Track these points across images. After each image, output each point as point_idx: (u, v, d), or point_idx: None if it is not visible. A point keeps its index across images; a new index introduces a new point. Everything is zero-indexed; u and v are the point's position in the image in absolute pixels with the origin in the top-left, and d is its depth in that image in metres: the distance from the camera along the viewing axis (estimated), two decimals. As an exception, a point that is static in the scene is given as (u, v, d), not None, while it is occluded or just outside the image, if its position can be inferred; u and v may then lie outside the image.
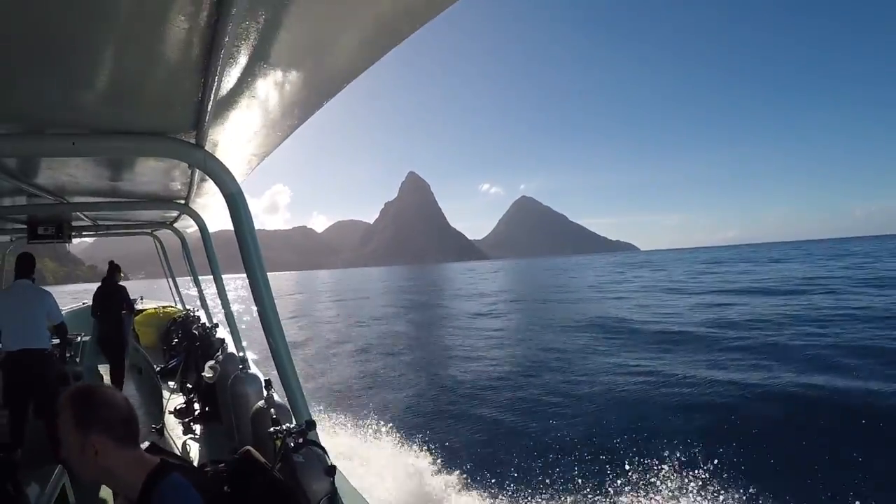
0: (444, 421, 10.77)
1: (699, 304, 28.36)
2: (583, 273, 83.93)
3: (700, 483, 6.95)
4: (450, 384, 13.93)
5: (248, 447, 2.00)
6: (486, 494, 7.28)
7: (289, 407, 2.94)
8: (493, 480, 7.59)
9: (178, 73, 1.56)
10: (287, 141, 2.49)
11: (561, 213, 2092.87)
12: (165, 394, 6.24)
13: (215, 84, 1.58)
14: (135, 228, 7.16)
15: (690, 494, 6.80)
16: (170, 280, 10.07)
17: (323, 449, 2.60)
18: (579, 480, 7.41)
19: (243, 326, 5.40)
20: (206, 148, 2.34)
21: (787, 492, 6.81)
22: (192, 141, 2.29)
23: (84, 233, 6.37)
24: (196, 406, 5.54)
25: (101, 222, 6.00)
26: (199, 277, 7.11)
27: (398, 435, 9.17)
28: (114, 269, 7.21)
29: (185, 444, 4.99)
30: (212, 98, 1.71)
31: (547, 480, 7.51)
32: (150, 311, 9.24)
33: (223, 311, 5.32)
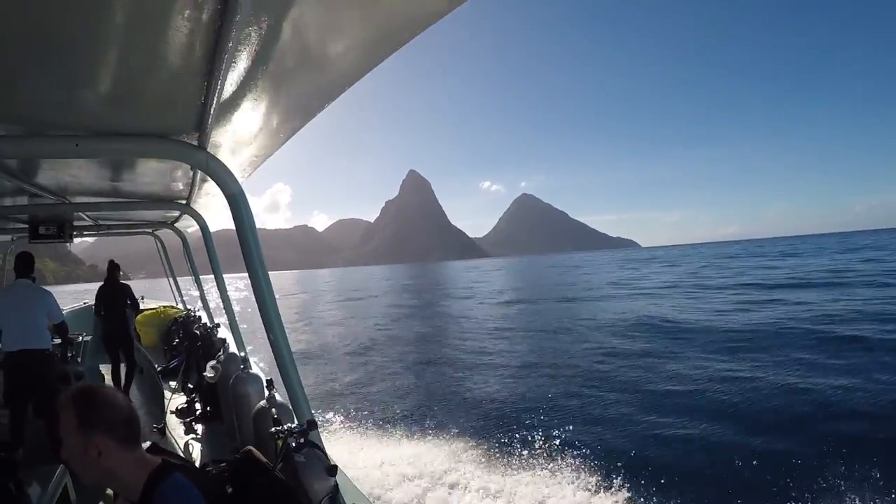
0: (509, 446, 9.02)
1: (747, 301, 26.23)
2: (594, 270, 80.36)
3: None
4: (508, 399, 12.03)
5: (250, 447, 2.01)
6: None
7: (290, 407, 2.95)
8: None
9: (182, 75, 1.57)
10: (288, 140, 2.50)
11: (562, 210, 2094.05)
12: (167, 394, 6.26)
13: (218, 87, 1.59)
14: (136, 228, 7.17)
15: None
16: (170, 280, 10.09)
17: (323, 449, 2.61)
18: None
19: (244, 326, 5.40)
20: (209, 149, 2.35)
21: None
22: (195, 143, 2.30)
23: (85, 232, 6.38)
24: (197, 406, 5.55)
25: (102, 222, 6.01)
26: (200, 277, 7.12)
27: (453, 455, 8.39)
28: (114, 267, 7.22)
29: (186, 443, 5.00)
30: (215, 101, 1.72)
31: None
32: (150, 311, 9.25)
33: (224, 310, 5.33)
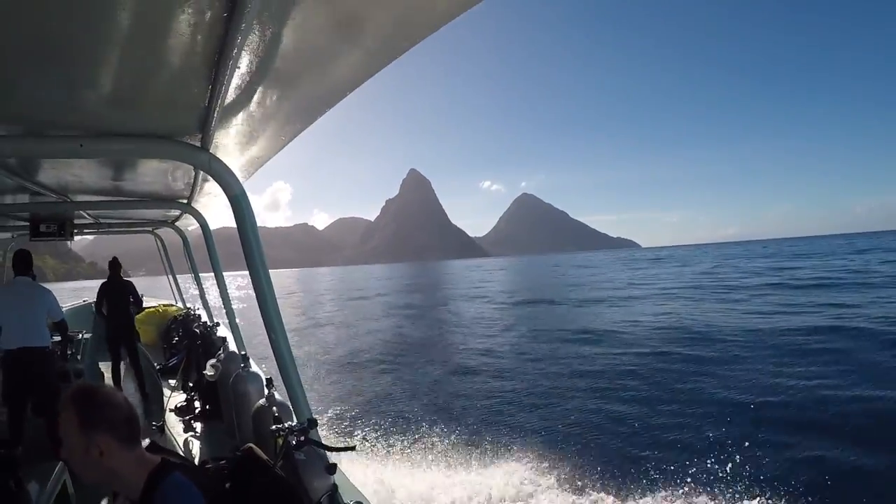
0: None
1: (787, 302, 24.62)
2: (603, 270, 77.42)
3: None
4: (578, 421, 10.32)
5: (251, 445, 2.03)
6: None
7: (290, 405, 2.97)
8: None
9: (185, 78, 1.60)
10: (290, 142, 2.52)
11: (562, 210, 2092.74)
12: (166, 391, 6.28)
13: (222, 92, 1.61)
14: (136, 227, 7.19)
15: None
16: (170, 278, 10.10)
17: (324, 447, 2.62)
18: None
19: (242, 322, 5.40)
20: (211, 151, 2.37)
21: None
22: (197, 144, 2.32)
23: (86, 230, 6.41)
24: (197, 404, 5.56)
25: (102, 220, 6.03)
26: (200, 275, 7.13)
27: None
28: (117, 265, 7.23)
29: (185, 441, 5.02)
30: (218, 104, 1.75)
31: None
32: (150, 309, 9.26)
33: (224, 309, 5.35)
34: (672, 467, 7.63)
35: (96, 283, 7.38)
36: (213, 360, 4.95)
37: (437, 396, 12.78)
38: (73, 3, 1.08)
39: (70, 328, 5.66)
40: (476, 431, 9.60)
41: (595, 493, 7.13)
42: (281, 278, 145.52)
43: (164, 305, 9.69)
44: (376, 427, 9.90)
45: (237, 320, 5.27)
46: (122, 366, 6.91)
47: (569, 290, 42.97)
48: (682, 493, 6.98)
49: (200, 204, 4.65)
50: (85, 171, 3.19)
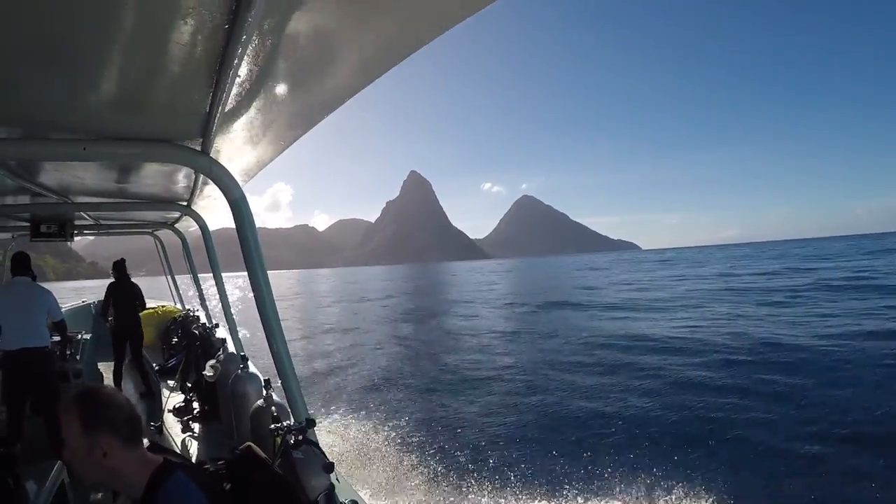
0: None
1: (845, 306, 22.63)
2: (614, 273, 73.28)
3: None
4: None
5: (249, 443, 2.05)
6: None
7: (288, 406, 3.00)
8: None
9: (187, 83, 1.63)
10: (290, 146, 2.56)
11: (562, 212, 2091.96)
12: (165, 392, 6.30)
13: (223, 98, 1.64)
14: (136, 228, 7.20)
15: None
16: (169, 279, 10.10)
17: (320, 447, 2.65)
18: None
19: (243, 331, 5.42)
20: (212, 155, 2.40)
21: None
22: (198, 148, 2.35)
23: (86, 231, 6.43)
24: (195, 405, 5.58)
25: (103, 222, 6.05)
26: (199, 276, 7.15)
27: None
28: (124, 265, 7.18)
29: (183, 442, 5.03)
30: (219, 109, 1.78)
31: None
32: (149, 310, 9.29)
33: (223, 310, 5.36)
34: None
35: (96, 283, 7.39)
36: (212, 361, 4.97)
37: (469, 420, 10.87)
38: (77, 6, 1.11)
39: (69, 329, 5.67)
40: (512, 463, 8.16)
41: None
42: (282, 279, 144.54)
43: (163, 306, 9.71)
44: (385, 431, 9.76)
45: (235, 320, 5.29)
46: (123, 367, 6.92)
47: (588, 294, 40.31)
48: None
49: (200, 206, 4.68)
50: (86, 172, 3.22)
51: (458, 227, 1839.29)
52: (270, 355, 2.79)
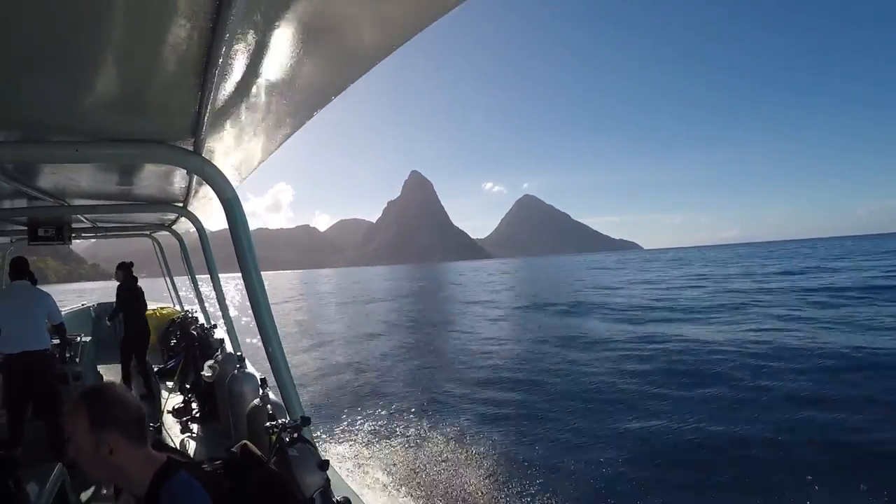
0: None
1: None
2: (626, 274, 68.21)
3: None
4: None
5: (245, 441, 2.07)
6: None
7: (283, 404, 3.02)
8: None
9: (176, 83, 1.63)
10: (290, 140, 2.56)
11: (564, 211, 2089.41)
12: (164, 393, 6.32)
13: (211, 95, 1.65)
14: (134, 230, 7.22)
15: None
16: (168, 281, 10.11)
17: (315, 445, 2.67)
18: None
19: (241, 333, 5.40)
20: (204, 155, 2.41)
21: None
22: (190, 148, 2.36)
23: (83, 234, 6.44)
24: (194, 405, 5.61)
25: (100, 224, 6.06)
26: (198, 277, 7.17)
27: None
28: (131, 268, 7.19)
29: (182, 442, 5.05)
30: (208, 109, 1.79)
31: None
32: (148, 312, 9.33)
33: (220, 311, 5.38)
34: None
35: (98, 286, 7.40)
36: (210, 362, 4.99)
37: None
38: (64, 9, 1.12)
39: (69, 331, 5.70)
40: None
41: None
42: (284, 280, 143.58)
43: (162, 308, 9.74)
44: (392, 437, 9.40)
45: (233, 320, 5.31)
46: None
47: (611, 294, 37.40)
48: None
49: (196, 207, 4.69)
50: (81, 175, 3.23)
51: (460, 227, 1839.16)
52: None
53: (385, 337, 22.93)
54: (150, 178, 3.49)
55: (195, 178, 3.36)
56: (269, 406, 3.24)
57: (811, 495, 6.70)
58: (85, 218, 5.27)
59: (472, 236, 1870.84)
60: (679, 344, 16.77)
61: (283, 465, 2.52)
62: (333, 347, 20.56)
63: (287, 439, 2.61)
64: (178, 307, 9.94)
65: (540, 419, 10.37)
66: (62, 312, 5.36)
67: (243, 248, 2.51)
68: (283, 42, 1.39)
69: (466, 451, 8.49)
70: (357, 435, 9.46)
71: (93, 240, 7.95)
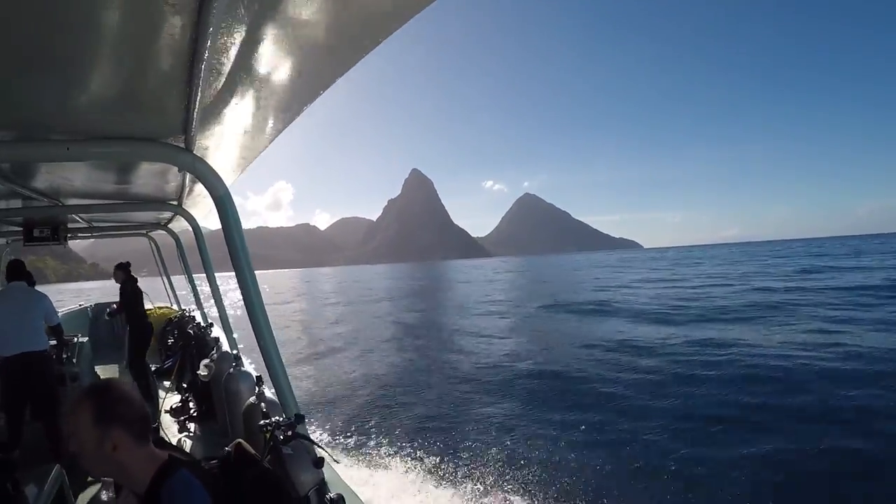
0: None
1: None
2: (637, 273, 65.37)
3: None
4: None
5: (240, 440, 2.07)
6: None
7: (279, 402, 3.01)
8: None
9: (166, 82, 1.63)
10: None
11: (564, 210, 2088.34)
12: (161, 393, 6.32)
13: (199, 91, 1.64)
14: (129, 230, 7.19)
15: None
16: (165, 280, 10.08)
17: (312, 441, 2.66)
18: None
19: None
20: (195, 152, 2.40)
21: None
22: (182, 145, 2.35)
23: (79, 234, 6.43)
24: (191, 405, 5.61)
25: (96, 224, 6.05)
26: (196, 276, 7.16)
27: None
28: (129, 267, 7.14)
29: (180, 442, 5.06)
30: (197, 105, 1.78)
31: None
32: (146, 311, 9.32)
33: (217, 310, 5.37)
34: None
35: (97, 285, 7.38)
36: (206, 361, 4.99)
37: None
38: (55, 8, 1.12)
39: (66, 332, 5.70)
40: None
41: None
42: (284, 279, 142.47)
43: (159, 307, 9.72)
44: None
45: (230, 319, 5.31)
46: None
47: (633, 293, 35.33)
48: None
49: (191, 205, 4.69)
50: (76, 174, 3.22)
51: (460, 226, 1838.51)
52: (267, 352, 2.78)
53: (403, 342, 21.25)
54: (144, 176, 3.48)
55: (188, 175, 3.35)
56: (263, 404, 3.23)
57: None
58: (80, 218, 5.25)
59: (473, 235, 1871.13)
60: (741, 349, 15.25)
61: (278, 464, 2.52)
62: (349, 356, 18.71)
63: (281, 437, 2.60)
64: (175, 306, 9.92)
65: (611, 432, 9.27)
66: (59, 313, 5.35)
67: (236, 246, 2.50)
68: (268, 35, 1.39)
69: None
70: (362, 435, 9.44)
71: (90, 240, 7.94)
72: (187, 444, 5.02)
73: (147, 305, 9.81)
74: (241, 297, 2.59)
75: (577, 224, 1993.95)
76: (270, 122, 2.27)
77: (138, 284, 7.15)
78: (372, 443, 9.07)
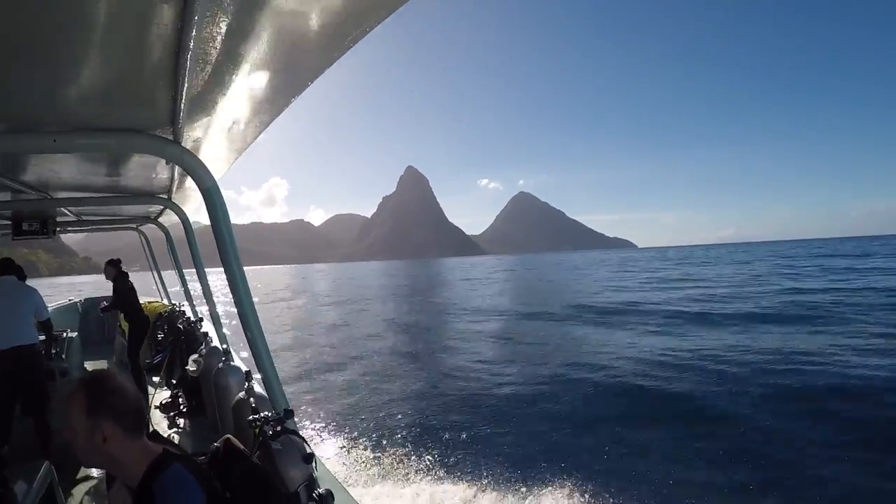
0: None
1: None
2: (650, 272, 62.36)
3: None
4: None
5: (228, 436, 2.05)
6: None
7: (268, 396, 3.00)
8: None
9: (152, 71, 1.61)
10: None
11: (558, 209, 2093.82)
12: (150, 389, 6.29)
13: (186, 82, 1.63)
14: (119, 224, 7.14)
15: None
16: (155, 275, 10.01)
17: (301, 437, 2.65)
18: None
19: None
20: (183, 143, 2.38)
21: None
22: (170, 137, 2.33)
23: (69, 228, 6.37)
24: (181, 400, 5.58)
25: (85, 217, 6.00)
26: (185, 271, 7.12)
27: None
28: (120, 264, 7.00)
29: (169, 437, 5.04)
30: (184, 96, 1.76)
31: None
32: None
33: (206, 304, 5.34)
34: None
35: (90, 279, 7.29)
36: (195, 356, 4.97)
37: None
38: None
39: (55, 327, 5.66)
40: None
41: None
42: (278, 276, 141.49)
43: (149, 302, 9.66)
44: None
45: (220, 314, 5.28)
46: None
47: (668, 296, 32.51)
48: None
49: (180, 199, 4.66)
50: (64, 166, 3.19)
51: (455, 224, 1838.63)
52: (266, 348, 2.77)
53: (398, 341, 20.71)
54: (133, 169, 3.45)
55: (178, 168, 3.32)
56: (252, 399, 3.22)
57: None
58: (69, 211, 5.21)
59: (468, 233, 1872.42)
60: (820, 358, 13.68)
61: (267, 459, 2.50)
62: (342, 355, 18.22)
63: (270, 432, 2.59)
64: (165, 301, 9.87)
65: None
66: (49, 308, 5.31)
67: (224, 241, 2.47)
68: (254, 24, 1.38)
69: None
70: (352, 430, 9.41)
71: (82, 234, 7.86)
72: (177, 440, 5.00)
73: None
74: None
75: (572, 223, 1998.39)
76: (259, 114, 2.25)
77: (129, 280, 7.09)
78: (362, 438, 9.07)
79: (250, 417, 2.73)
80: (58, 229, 5.16)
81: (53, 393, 4.66)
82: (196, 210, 5.06)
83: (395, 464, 7.96)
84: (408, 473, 7.63)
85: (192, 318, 6.62)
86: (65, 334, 6.29)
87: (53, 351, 5.67)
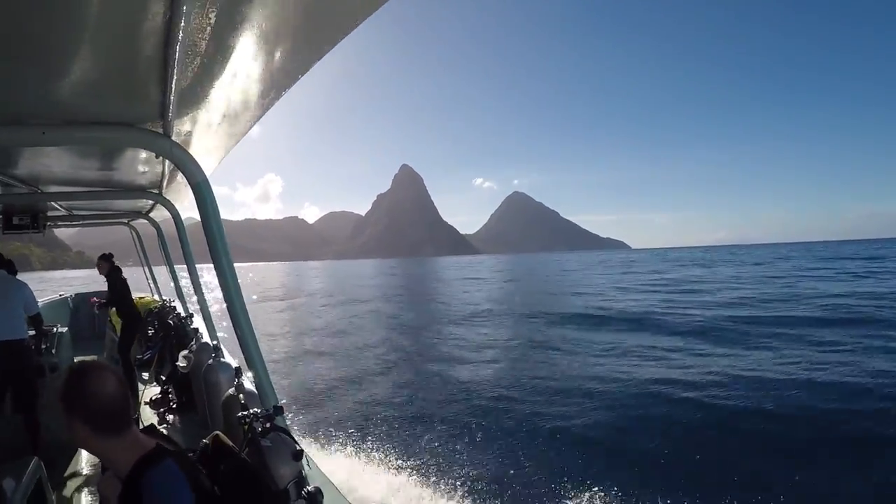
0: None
1: None
2: (659, 274, 58.08)
3: None
4: None
5: (217, 432, 2.04)
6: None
7: (257, 393, 2.98)
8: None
9: (142, 64, 1.60)
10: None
11: (552, 209, 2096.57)
12: (140, 385, 6.25)
13: (175, 75, 1.62)
14: (110, 218, 7.09)
15: None
16: (146, 270, 9.95)
17: (290, 434, 2.65)
18: None
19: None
20: (173, 137, 2.36)
21: None
22: (160, 131, 2.31)
23: (59, 223, 6.32)
24: (171, 396, 5.55)
25: (76, 212, 5.95)
26: (176, 266, 7.08)
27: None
28: (112, 259, 6.86)
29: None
30: (173, 89, 1.75)
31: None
32: None
33: (197, 300, 5.31)
34: None
35: (83, 273, 7.19)
36: (185, 352, 4.94)
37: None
38: None
39: (45, 322, 5.61)
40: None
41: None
42: (272, 272, 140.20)
43: (140, 298, 9.59)
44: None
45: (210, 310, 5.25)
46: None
47: (695, 298, 30.61)
48: None
49: (171, 194, 4.63)
50: (55, 160, 3.17)
51: (450, 223, 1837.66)
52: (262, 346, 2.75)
53: (395, 340, 20.06)
54: (124, 163, 3.43)
55: (168, 163, 3.31)
56: (242, 395, 3.20)
57: None
58: (60, 205, 5.17)
59: (462, 232, 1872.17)
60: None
61: (256, 456, 2.49)
62: (335, 353, 17.64)
63: (259, 429, 2.58)
64: (156, 297, 9.80)
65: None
66: (39, 303, 5.27)
67: (214, 235, 2.47)
68: (244, 16, 1.37)
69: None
70: (342, 428, 9.39)
71: (74, 228, 7.80)
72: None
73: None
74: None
75: (566, 223, 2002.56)
76: (250, 107, 2.24)
77: (122, 275, 7.04)
78: (353, 436, 9.07)
79: (240, 414, 2.71)
80: (48, 224, 5.12)
81: (43, 388, 4.63)
82: (187, 206, 5.03)
83: (384, 459, 7.99)
84: (398, 469, 7.65)
85: (183, 314, 6.58)
86: (55, 329, 6.25)
87: (43, 346, 5.63)
